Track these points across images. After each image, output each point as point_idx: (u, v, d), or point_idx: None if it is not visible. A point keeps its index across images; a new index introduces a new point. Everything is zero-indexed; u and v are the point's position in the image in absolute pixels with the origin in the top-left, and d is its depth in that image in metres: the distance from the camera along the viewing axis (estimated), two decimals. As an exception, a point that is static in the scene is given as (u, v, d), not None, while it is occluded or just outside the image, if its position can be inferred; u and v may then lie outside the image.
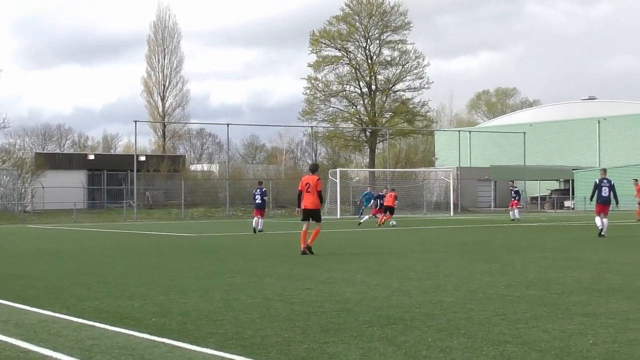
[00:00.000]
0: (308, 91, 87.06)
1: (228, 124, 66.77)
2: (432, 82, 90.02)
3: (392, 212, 43.57)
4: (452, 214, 63.78)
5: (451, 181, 68.94)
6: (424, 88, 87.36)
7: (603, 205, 28.95)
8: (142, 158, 70.49)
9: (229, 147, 77.49)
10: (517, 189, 49.93)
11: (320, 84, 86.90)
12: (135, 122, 62.61)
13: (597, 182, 29.33)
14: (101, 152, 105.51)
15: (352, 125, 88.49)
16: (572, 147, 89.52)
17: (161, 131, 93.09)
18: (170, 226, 45.87)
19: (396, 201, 44.49)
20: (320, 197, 21.89)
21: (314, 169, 22.79)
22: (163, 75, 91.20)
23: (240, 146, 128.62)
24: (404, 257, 20.46)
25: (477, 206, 78.18)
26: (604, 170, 30.66)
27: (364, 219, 44.94)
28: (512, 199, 48.01)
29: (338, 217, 57.04)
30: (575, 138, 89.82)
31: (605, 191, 28.96)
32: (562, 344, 8.69)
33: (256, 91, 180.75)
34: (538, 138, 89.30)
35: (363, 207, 58.93)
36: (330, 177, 63.40)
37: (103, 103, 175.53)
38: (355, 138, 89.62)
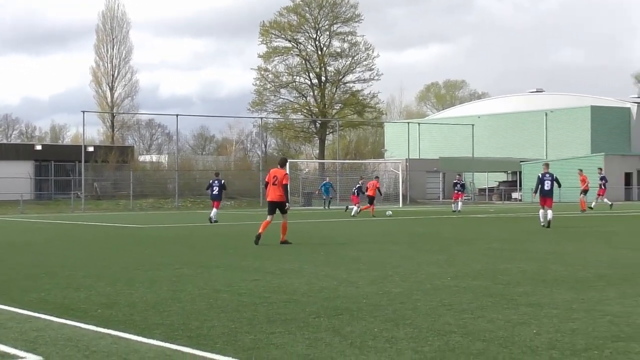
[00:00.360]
0: (258, 82, 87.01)
1: (177, 115, 66.49)
2: (382, 74, 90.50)
3: (371, 202, 43.93)
4: (401, 205, 64.04)
5: (400, 172, 69.19)
6: (373, 80, 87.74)
7: (545, 198, 30.00)
8: (90, 149, 69.78)
9: (178, 138, 77.13)
10: (462, 182, 50.21)
11: (270, 75, 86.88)
12: (84, 112, 62.11)
13: (540, 176, 30.42)
14: (49, 142, 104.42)
15: (302, 117, 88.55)
16: (519, 139, 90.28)
17: (110, 122, 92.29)
18: (119, 217, 45.56)
19: (378, 190, 44.77)
20: (286, 191, 22.07)
21: (282, 162, 22.97)
22: (112, 65, 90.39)
23: (190, 137, 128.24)
24: (352, 248, 20.53)
25: (426, 197, 78.57)
26: (547, 165, 31.57)
27: (355, 211, 44.52)
28: (457, 192, 48.20)
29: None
30: (523, 130, 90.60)
31: (547, 185, 29.99)
32: (506, 333, 8.79)
33: (206, 82, 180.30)
34: (486, 130, 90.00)
35: (324, 197, 59.08)
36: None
37: (51, 93, 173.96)
38: (305, 129, 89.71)
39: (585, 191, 47.60)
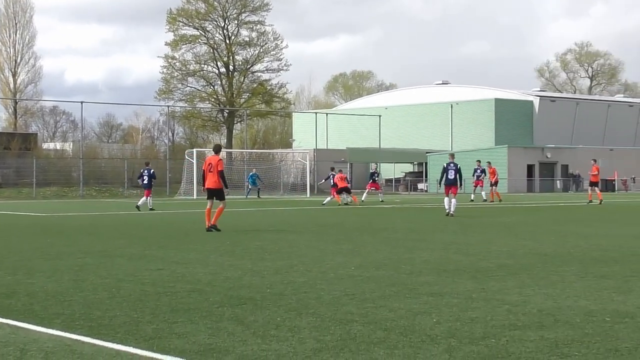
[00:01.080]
0: (165, 70, 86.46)
1: (82, 102, 65.47)
2: (291, 64, 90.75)
3: (348, 192, 44.73)
4: (308, 195, 64.28)
5: (308, 162, 69.43)
6: (282, 70, 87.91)
7: (449, 186, 31.37)
8: (-9, 135, 68.48)
9: (82, 125, 75.97)
10: (378, 172, 50.66)
11: (177, 63, 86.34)
12: (-15, 98, 60.80)
13: (445, 165, 31.74)
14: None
15: (209, 106, 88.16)
16: (426, 130, 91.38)
17: (12, 108, 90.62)
18: (21, 205, 44.78)
19: (346, 181, 45.77)
20: (222, 177, 22.81)
21: (216, 149, 23.90)
22: (14, 50, 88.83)
23: (96, 125, 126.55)
24: (258, 238, 20.53)
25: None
26: (452, 155, 32.83)
27: (326, 200, 44.77)
28: (373, 181, 48.59)
29: (194, 197, 56.70)
30: (429, 122, 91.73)
31: (451, 174, 31.40)
32: (407, 322, 8.90)
33: (113, 69, 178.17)
34: (393, 121, 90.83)
35: (250, 188, 58.96)
36: (186, 157, 62.99)
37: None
38: (212, 118, 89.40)
39: (495, 183, 48.86)
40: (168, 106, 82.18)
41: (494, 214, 34.35)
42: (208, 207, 22.90)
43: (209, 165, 22.97)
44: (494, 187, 48.90)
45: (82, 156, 65.85)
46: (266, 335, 8.22)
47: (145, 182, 38.21)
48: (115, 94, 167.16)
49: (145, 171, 38.34)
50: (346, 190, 44.45)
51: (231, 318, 9.17)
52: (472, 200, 47.61)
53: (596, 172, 46.14)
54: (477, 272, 13.39)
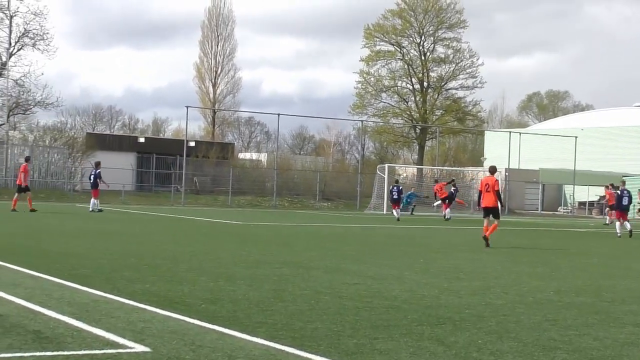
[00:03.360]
0: (360, 85, 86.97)
1: (279, 114, 66.74)
2: (485, 81, 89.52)
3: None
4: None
5: (499, 182, 68.52)
6: (476, 87, 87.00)
7: (623, 212, 34.43)
8: (192, 143, 70.80)
9: (278, 136, 77.59)
10: (400, 188, 48.13)
11: (372, 79, 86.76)
12: (187, 107, 62.73)
13: (619, 192, 34.70)
14: (151, 135, 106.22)
15: (402, 121, 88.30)
16: (623, 153, 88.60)
17: (211, 117, 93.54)
18: (217, 213, 46.08)
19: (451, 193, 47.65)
20: (499, 196, 24.44)
21: (492, 170, 25.39)
22: (215, 61, 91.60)
23: (288, 136, 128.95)
24: (450, 257, 20.39)
25: (524, 208, 77.60)
26: (623, 182, 35.76)
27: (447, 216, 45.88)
28: (394, 202, 46.73)
29: (384, 212, 56.83)
30: (627, 144, 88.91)
31: (625, 200, 34.19)
32: (614, 353, 8.62)
33: (307, 82, 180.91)
34: (588, 143, 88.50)
35: (408, 204, 58.96)
36: (378, 172, 63.26)
37: (154, 86, 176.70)
38: (404, 134, 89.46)
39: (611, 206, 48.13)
40: (362, 121, 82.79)
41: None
42: (485, 224, 24.37)
43: (485, 185, 24.53)
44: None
45: (276, 167, 67.18)
46: (468, 357, 8.12)
47: (92, 181, 40.24)
48: (308, 106, 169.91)
49: (93, 171, 40.24)
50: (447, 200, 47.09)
51: (431, 337, 9.11)
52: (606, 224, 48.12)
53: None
54: (684, 304, 12.83)
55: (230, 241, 23.59)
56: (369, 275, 15.11)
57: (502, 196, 24.93)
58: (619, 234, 33.76)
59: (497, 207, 24.50)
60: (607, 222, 48.65)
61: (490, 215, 24.43)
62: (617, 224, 34.35)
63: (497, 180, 24.70)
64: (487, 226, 24.33)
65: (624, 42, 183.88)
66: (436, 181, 55.75)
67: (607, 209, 49.91)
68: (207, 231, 28.64)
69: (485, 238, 24.13)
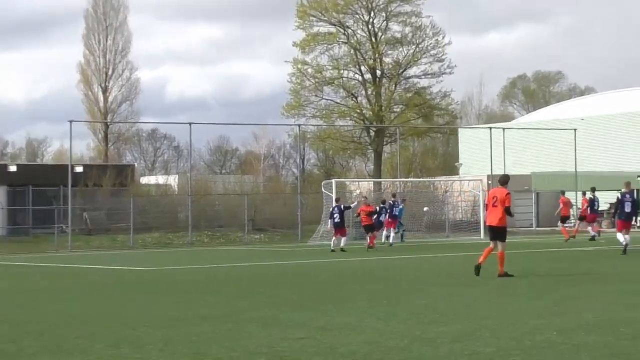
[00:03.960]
0: (294, 79, 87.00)
1: (190, 123, 66.54)
2: (455, 65, 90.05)
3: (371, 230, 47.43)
4: (482, 237, 63.75)
5: (481, 194, 68.85)
6: (444, 74, 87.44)
7: (626, 221, 34.09)
8: (79, 169, 70.29)
9: (191, 152, 77.31)
10: (387, 206, 52.22)
11: (309, 70, 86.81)
12: (71, 122, 62.31)
13: (619, 196, 34.10)
14: (25, 161, 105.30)
15: (351, 123, 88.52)
16: (634, 147, 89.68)
17: (103, 133, 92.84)
18: (117, 257, 45.75)
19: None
20: (508, 213, 24.62)
21: (503, 180, 25.38)
22: (105, 60, 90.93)
23: (205, 151, 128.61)
24: (422, 294, 20.46)
25: (515, 225, 78.06)
26: (628, 183, 35.00)
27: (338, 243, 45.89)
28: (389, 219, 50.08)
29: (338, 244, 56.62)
30: (638, 136, 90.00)
31: (627, 206, 33.66)
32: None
33: (226, 79, 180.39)
34: (592, 136, 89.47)
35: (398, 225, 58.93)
36: (323, 190, 63.21)
37: (27, 98, 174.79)
38: (355, 139, 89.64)
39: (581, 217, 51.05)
40: (299, 125, 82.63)
41: None
42: (490, 247, 24.58)
43: (493, 198, 24.66)
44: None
45: (190, 192, 66.92)
46: None
47: None
48: (228, 111, 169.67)
49: None
50: (369, 228, 46.78)
51: (402, 402, 9.10)
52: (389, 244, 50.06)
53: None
54: None
55: (136, 293, 23.42)
56: (318, 326, 15.08)
57: (512, 212, 25.26)
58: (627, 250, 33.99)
59: (504, 226, 24.75)
60: (573, 236, 50.59)
61: (496, 239, 24.71)
62: (619, 235, 34.45)
63: (508, 194, 24.67)
64: (491, 249, 24.51)
65: (631, 8, 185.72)
66: (393, 195, 56.04)
67: (577, 220, 51.96)
68: (104, 282, 28.40)
69: (506, 274, 24.26)
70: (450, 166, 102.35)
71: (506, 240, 24.84)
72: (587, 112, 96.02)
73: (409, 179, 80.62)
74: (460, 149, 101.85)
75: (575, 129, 79.06)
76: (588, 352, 11.82)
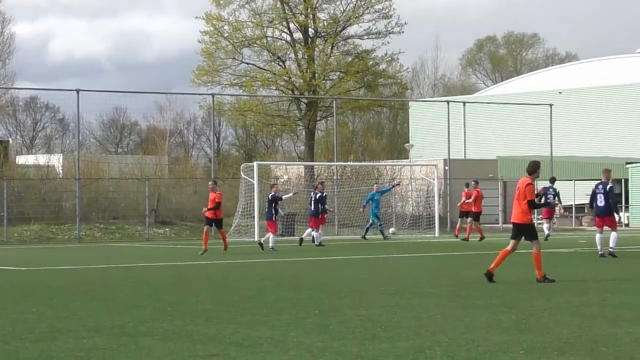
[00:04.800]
0: (207, 38, 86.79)
1: (78, 90, 66.17)
2: (405, 23, 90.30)
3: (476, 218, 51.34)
4: (437, 234, 64.06)
5: (436, 182, 69.10)
6: (392, 33, 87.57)
7: (602, 217, 34.52)
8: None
9: (79, 126, 76.88)
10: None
11: (226, 27, 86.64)
12: None
13: (593, 188, 34.52)
14: None
15: (277, 93, 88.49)
16: (626, 127, 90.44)
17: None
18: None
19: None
20: (532, 206, 25.50)
21: (532, 169, 25.64)
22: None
23: (97, 126, 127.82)
24: (362, 304, 20.54)
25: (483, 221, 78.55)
26: (607, 172, 34.70)
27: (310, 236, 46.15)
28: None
29: (255, 239, 56.74)
30: (630, 113, 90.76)
31: (600, 199, 33.84)
32: None
33: (123, 36, 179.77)
34: (571, 113, 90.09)
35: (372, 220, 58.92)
36: (242, 175, 63.15)
37: None
38: (282, 113, 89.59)
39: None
40: (213, 95, 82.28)
41: None
42: (508, 248, 25.40)
43: (517, 190, 25.50)
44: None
45: (78, 175, 66.52)
46: None
47: None
48: (126, 76, 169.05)
49: None
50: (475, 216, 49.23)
51: None
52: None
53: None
54: None
55: (9, 299, 23.32)
56: (234, 341, 15.13)
57: (537, 204, 26.71)
58: (600, 252, 34.95)
59: (527, 223, 25.40)
60: (463, 238, 53.10)
61: (523, 237, 25.43)
62: (597, 236, 35.28)
63: (530, 184, 25.21)
64: (508, 252, 25.31)
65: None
66: (316, 187, 55.31)
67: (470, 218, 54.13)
68: (-30, 285, 28.28)
69: (547, 279, 24.97)
70: (398, 148, 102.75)
71: (538, 239, 25.66)
72: (566, 84, 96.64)
73: (348, 163, 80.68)
74: (410, 127, 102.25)
75: (551, 105, 79.72)
76: (560, 375, 12.00)
